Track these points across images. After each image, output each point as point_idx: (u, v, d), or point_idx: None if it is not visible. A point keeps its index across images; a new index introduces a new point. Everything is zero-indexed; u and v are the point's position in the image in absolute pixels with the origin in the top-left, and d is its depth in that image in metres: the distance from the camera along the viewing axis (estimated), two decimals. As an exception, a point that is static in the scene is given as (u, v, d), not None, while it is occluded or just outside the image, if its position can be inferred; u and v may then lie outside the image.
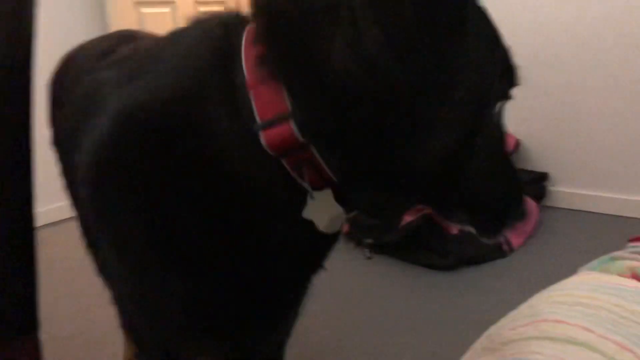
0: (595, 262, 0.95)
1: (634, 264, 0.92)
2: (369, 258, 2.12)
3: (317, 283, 0.96)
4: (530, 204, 2.32)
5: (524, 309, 0.78)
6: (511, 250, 2.04)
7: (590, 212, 2.47)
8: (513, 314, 0.78)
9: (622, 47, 2.24)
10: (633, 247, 1.77)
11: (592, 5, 2.25)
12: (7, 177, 1.18)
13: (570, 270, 0.99)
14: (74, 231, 0.84)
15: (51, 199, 2.49)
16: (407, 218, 1.99)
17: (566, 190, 2.57)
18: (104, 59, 0.83)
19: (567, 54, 2.38)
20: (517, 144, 2.56)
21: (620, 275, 0.87)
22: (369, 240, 2.12)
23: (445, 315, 1.52)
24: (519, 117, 2.58)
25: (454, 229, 2.00)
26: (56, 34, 2.57)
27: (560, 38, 2.37)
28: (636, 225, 2.28)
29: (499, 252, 2.01)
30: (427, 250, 1.96)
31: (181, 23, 0.70)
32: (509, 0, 2.45)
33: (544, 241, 2.14)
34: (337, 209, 0.59)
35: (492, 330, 0.80)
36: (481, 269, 1.88)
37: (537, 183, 2.56)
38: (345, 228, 1.75)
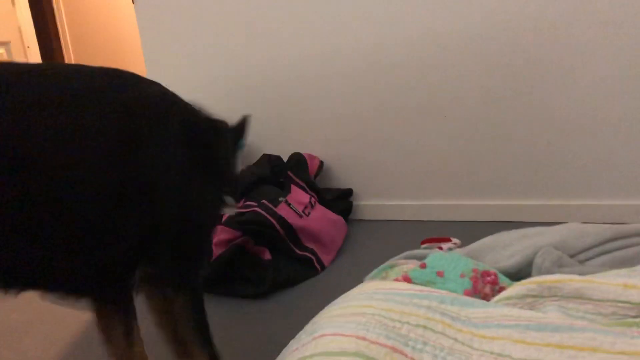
0: (375, 271, 1.02)
1: (408, 266, 1.00)
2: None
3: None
4: (339, 219, 2.43)
5: (307, 327, 0.80)
6: (323, 267, 2.11)
7: (392, 220, 2.66)
8: (299, 334, 0.80)
9: (403, 70, 2.47)
10: (424, 247, 1.93)
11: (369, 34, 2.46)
12: None
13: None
14: None
15: None
16: (218, 251, 1.95)
17: (370, 203, 2.74)
18: None
19: (352, 83, 2.56)
20: (321, 164, 2.68)
21: (396, 279, 0.94)
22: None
23: (262, 342, 1.51)
24: (322, 140, 2.70)
25: (267, 254, 2.01)
26: None
27: (353, 64, 2.55)
28: (432, 226, 2.51)
29: (312, 271, 2.06)
30: (242, 280, 1.93)
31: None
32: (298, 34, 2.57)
33: (354, 253, 2.24)
34: None
35: (283, 352, 0.80)
36: (296, 291, 1.91)
37: (344, 199, 2.70)
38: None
